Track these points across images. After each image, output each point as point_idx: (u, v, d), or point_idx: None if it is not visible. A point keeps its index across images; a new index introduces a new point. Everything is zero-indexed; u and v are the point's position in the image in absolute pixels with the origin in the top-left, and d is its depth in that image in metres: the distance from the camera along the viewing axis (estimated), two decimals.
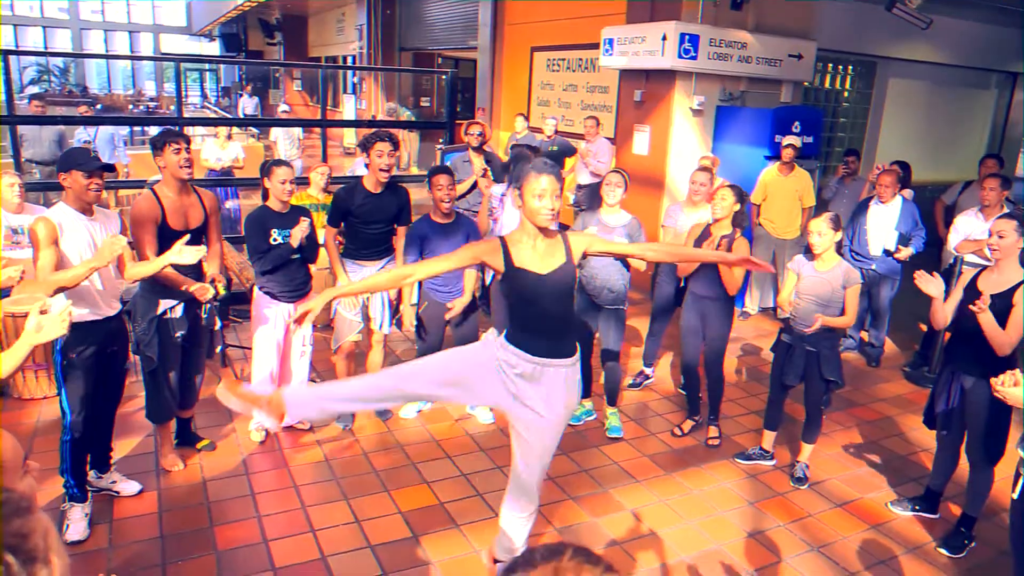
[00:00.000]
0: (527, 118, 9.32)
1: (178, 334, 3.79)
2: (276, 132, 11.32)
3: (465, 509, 3.79)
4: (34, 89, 23.50)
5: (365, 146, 4.26)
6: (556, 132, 8.58)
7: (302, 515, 3.67)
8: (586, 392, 4.85)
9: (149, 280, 3.62)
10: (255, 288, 4.28)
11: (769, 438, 4.40)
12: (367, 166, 4.33)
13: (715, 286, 4.39)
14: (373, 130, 4.38)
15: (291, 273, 4.18)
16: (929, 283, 3.53)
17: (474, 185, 5.93)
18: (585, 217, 4.60)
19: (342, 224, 4.43)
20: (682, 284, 5.20)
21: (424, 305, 4.63)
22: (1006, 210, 4.88)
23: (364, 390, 2.99)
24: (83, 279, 3.19)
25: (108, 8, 32.84)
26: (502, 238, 2.79)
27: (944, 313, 3.64)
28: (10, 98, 5.96)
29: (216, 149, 8.79)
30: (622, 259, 4.26)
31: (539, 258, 2.75)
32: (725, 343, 4.57)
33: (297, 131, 11.56)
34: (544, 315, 2.74)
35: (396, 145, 4.27)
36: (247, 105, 16.08)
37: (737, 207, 4.31)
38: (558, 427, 2.85)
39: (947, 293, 3.67)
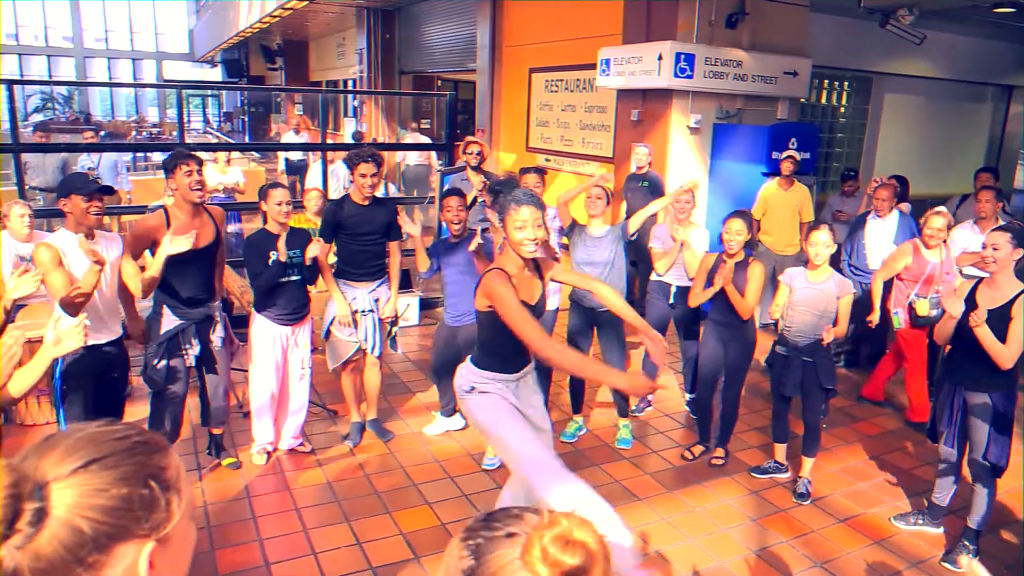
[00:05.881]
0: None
1: (190, 356, 3.85)
2: (314, 183, 8.15)
3: None
4: (38, 117, 23.72)
5: (349, 165, 4.33)
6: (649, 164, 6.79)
7: (303, 538, 3.66)
8: (576, 407, 4.86)
9: (157, 301, 3.74)
10: (253, 311, 4.30)
11: (781, 451, 4.41)
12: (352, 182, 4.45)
13: (730, 312, 4.32)
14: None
15: (290, 295, 4.19)
16: (954, 303, 3.51)
17: (474, 201, 5.97)
18: (574, 235, 4.57)
19: (334, 241, 4.48)
20: (671, 303, 5.10)
21: (437, 325, 4.70)
22: (1001, 222, 4.89)
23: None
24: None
25: (112, 36, 33.23)
26: (504, 270, 2.77)
27: (949, 328, 3.64)
28: (14, 126, 6.03)
29: (216, 174, 8.68)
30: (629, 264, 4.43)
31: (527, 288, 2.83)
32: (745, 368, 4.49)
33: (342, 169, 8.92)
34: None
35: (380, 165, 4.37)
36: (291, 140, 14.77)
37: (748, 236, 4.29)
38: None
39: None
